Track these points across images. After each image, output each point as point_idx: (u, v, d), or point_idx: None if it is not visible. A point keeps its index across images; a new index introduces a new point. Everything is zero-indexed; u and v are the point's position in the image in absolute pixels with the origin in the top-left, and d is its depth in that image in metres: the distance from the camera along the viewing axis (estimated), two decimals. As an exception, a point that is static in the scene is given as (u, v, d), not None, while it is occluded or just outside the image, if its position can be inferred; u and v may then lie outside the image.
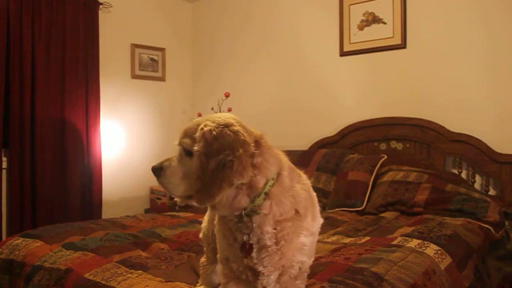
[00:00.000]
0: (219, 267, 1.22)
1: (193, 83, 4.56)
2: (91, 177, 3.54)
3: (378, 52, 3.24)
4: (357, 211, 2.64)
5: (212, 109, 3.71)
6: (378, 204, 2.60)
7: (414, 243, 1.79)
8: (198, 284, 1.42)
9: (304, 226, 1.09)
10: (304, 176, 1.18)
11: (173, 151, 1.11)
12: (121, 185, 3.89)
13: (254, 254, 1.06)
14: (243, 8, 4.13)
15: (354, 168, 2.85)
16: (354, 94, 3.38)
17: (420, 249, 1.71)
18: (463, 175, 2.84)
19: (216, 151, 0.99)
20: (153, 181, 1.27)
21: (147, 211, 3.95)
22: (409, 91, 3.10)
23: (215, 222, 1.18)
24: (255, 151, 1.02)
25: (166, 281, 1.40)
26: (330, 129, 3.45)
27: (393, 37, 3.15)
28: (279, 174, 1.07)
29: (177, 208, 3.34)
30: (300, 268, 1.11)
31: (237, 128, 1.02)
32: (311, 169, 2.99)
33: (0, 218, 3.09)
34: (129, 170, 3.94)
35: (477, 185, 2.78)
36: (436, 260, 1.66)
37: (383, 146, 3.17)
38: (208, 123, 1.03)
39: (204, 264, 1.44)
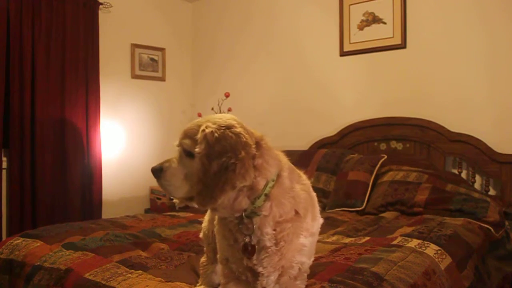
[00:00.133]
0: (219, 267, 1.22)
1: (193, 83, 4.56)
2: (91, 177, 3.54)
3: (378, 52, 3.23)
4: (357, 211, 2.64)
5: (212, 109, 3.71)
6: (378, 204, 2.60)
7: (414, 243, 1.79)
8: (198, 284, 1.42)
9: (304, 227, 1.09)
10: (304, 176, 1.18)
11: (173, 151, 1.11)
12: (121, 185, 3.89)
13: (254, 255, 1.06)
14: (243, 8, 4.13)
15: (354, 168, 2.85)
16: (354, 94, 3.38)
17: (420, 249, 1.71)
18: (463, 175, 2.84)
19: (218, 154, 0.99)
20: (153, 181, 1.26)
21: (147, 211, 3.95)
22: (409, 91, 3.10)
23: (215, 222, 1.18)
24: (256, 153, 1.02)
25: (166, 281, 1.40)
26: (330, 129, 3.45)
27: (393, 37, 3.15)
28: (279, 175, 1.07)
29: (177, 208, 3.34)
30: (299, 269, 1.11)
31: (238, 130, 1.02)
32: (311, 169, 2.99)
33: (0, 218, 3.09)
34: (129, 170, 3.94)
35: (477, 185, 2.78)
36: (436, 260, 1.66)
37: (383, 146, 3.16)
38: (210, 124, 1.03)
39: (204, 264, 1.44)
